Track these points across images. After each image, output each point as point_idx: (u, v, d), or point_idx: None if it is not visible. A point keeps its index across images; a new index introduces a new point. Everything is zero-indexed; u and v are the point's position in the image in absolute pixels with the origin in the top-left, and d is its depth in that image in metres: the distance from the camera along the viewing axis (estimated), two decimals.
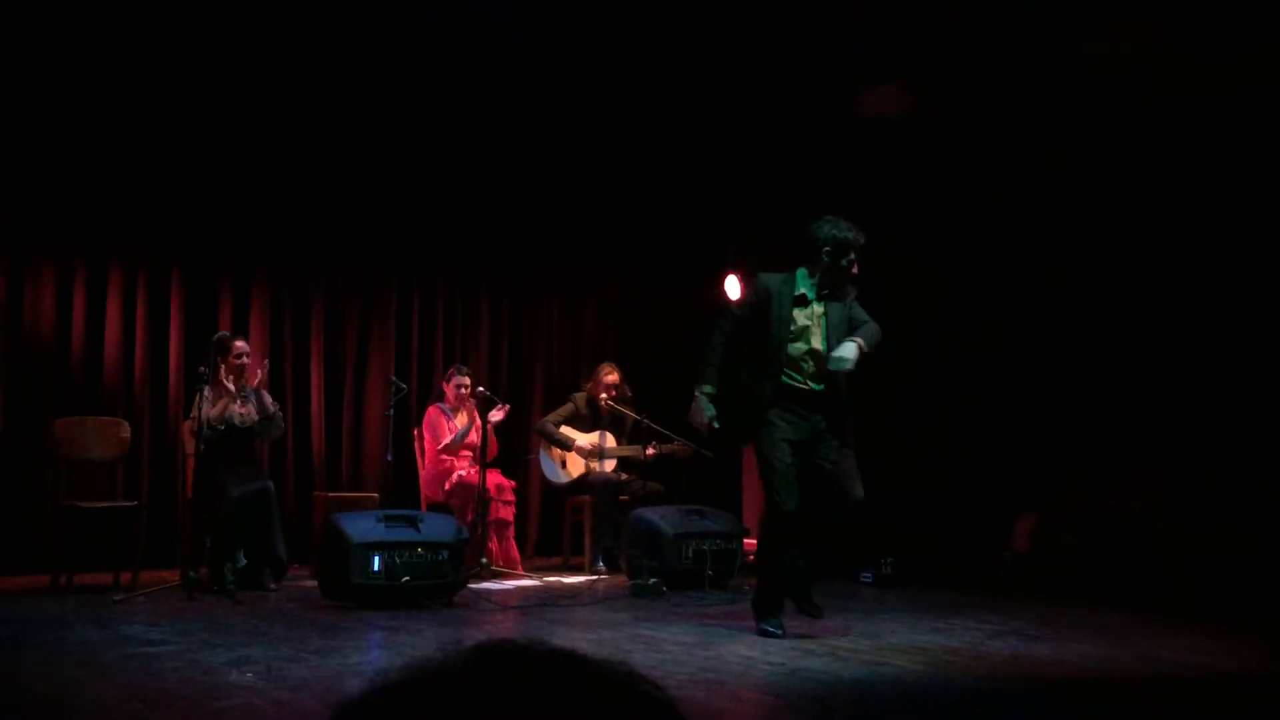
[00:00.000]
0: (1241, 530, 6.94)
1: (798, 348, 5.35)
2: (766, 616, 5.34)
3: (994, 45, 7.48)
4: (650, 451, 8.14)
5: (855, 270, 5.35)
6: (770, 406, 5.31)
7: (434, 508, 7.74)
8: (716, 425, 5.50)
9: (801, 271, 5.40)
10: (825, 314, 5.37)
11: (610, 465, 8.40)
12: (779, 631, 5.25)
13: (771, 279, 5.46)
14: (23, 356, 7.70)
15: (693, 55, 8.27)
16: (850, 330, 5.31)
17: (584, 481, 8.33)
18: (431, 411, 8.23)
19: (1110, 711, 4.03)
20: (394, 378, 8.10)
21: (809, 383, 5.34)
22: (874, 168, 8.34)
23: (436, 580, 6.24)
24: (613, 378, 8.39)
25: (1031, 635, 5.38)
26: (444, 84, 8.33)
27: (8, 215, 7.68)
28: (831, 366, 5.20)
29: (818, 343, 5.35)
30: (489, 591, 6.84)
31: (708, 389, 5.46)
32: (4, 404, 7.59)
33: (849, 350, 5.15)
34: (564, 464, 8.48)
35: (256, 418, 7.16)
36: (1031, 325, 8.12)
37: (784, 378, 5.32)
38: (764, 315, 5.39)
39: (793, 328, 5.34)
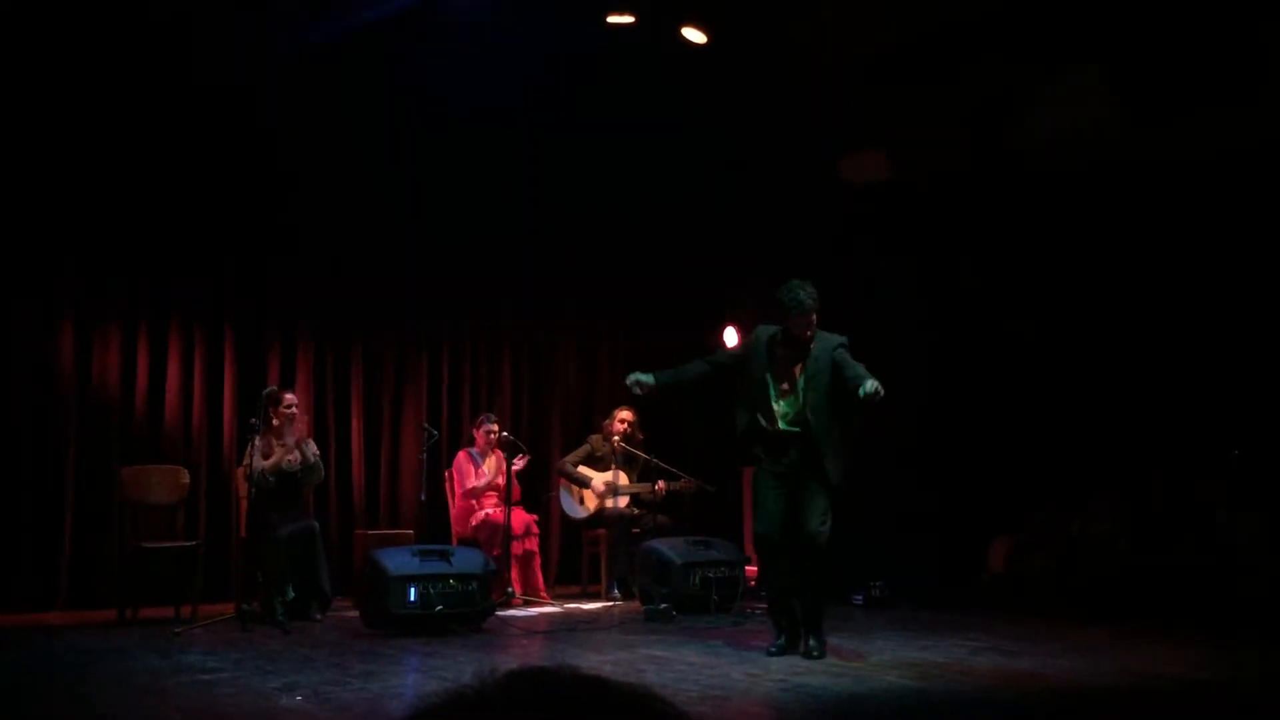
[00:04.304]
0: (1196, 550, 6.91)
1: (770, 394, 5.31)
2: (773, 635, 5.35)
3: (963, 116, 7.54)
4: (660, 486, 8.12)
5: (808, 332, 5.22)
6: (752, 442, 5.34)
7: (464, 542, 7.71)
8: (638, 386, 5.40)
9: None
10: (803, 364, 5.29)
11: (624, 501, 8.37)
12: (771, 649, 5.24)
13: (762, 331, 5.45)
14: (91, 410, 7.71)
15: (698, 131, 8.37)
16: (834, 375, 5.22)
17: (599, 516, 8.30)
18: (460, 457, 8.21)
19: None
20: (426, 425, 8.11)
21: (780, 424, 5.29)
22: (861, 227, 8.39)
23: (467, 609, 6.23)
24: (623, 425, 8.33)
25: (1012, 650, 5.33)
26: (469, 164, 8.45)
27: (78, 281, 7.73)
28: (862, 394, 4.96)
29: (790, 389, 5.30)
30: (515, 618, 6.81)
31: (649, 376, 5.42)
32: (75, 453, 7.60)
33: (870, 385, 4.94)
34: (581, 500, 8.46)
35: (301, 464, 7.17)
36: (1002, 367, 8.13)
37: (760, 418, 5.31)
38: (749, 361, 5.41)
39: (768, 375, 5.31)
